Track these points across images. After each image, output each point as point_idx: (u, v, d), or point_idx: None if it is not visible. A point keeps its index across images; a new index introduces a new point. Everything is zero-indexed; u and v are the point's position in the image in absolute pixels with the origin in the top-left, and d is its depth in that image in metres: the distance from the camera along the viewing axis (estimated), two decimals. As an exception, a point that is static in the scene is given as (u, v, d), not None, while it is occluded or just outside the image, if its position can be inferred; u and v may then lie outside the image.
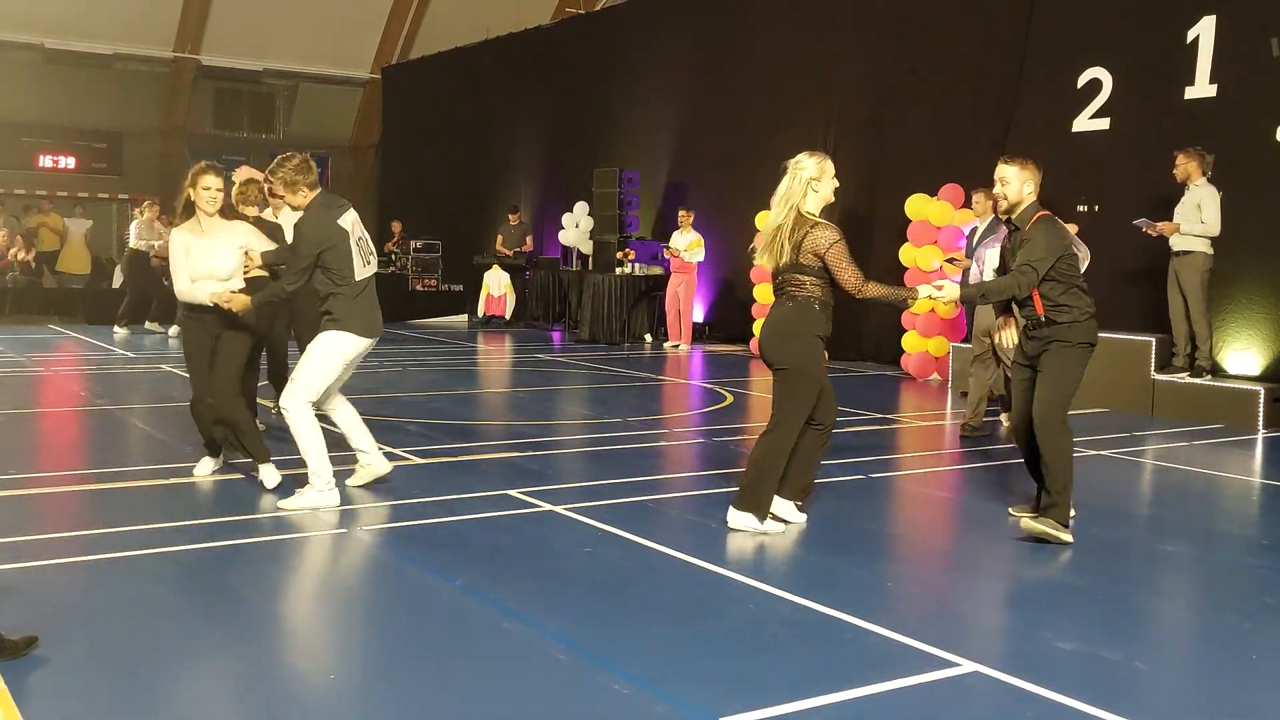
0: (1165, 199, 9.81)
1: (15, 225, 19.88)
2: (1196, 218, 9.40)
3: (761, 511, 5.57)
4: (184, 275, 6.13)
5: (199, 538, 5.28)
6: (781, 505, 5.73)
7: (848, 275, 5.38)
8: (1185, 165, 9.49)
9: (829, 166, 5.55)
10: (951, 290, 5.58)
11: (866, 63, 13.97)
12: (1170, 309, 9.75)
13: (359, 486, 6.29)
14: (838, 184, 5.60)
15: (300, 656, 3.94)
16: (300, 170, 5.82)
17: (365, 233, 6.04)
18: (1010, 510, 6.09)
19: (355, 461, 6.33)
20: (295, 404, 5.85)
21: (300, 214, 5.91)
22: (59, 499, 6.12)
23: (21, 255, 18.46)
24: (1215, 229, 9.38)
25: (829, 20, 14.53)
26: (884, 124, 13.55)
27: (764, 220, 13.96)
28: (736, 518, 5.60)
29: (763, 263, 5.63)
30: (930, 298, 5.59)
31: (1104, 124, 11.20)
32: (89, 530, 5.41)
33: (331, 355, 5.89)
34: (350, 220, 5.90)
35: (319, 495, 5.87)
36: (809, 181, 5.47)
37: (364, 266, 5.92)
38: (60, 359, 12.61)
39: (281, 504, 5.86)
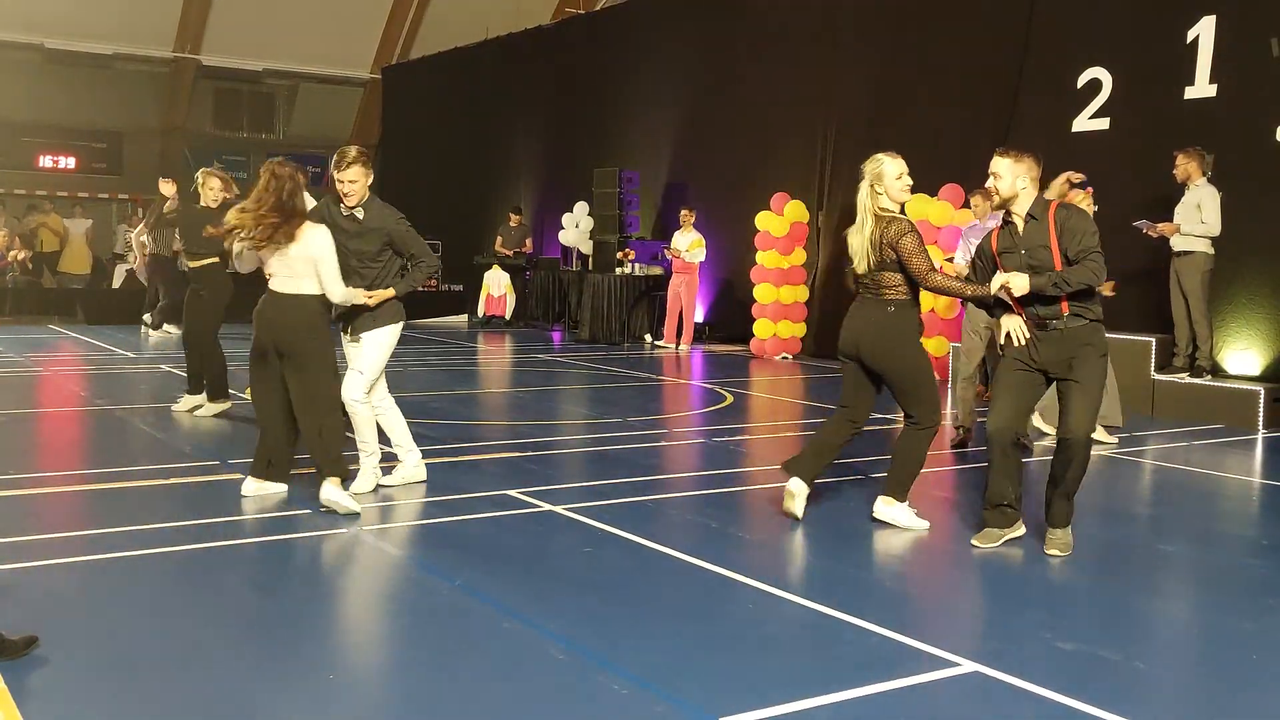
0: (1165, 199, 9.81)
1: (15, 225, 19.88)
2: (1196, 218, 9.39)
3: (907, 499, 5.83)
4: (340, 277, 5.92)
5: (199, 538, 5.28)
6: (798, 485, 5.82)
7: (917, 262, 5.50)
8: (1185, 165, 9.49)
9: (889, 168, 5.60)
10: (1021, 282, 5.28)
11: (866, 62, 13.97)
12: (1172, 309, 9.75)
13: (392, 486, 6.38)
14: (910, 182, 5.65)
15: (299, 656, 3.93)
16: (369, 157, 6.18)
17: None
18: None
19: (356, 463, 6.33)
20: (358, 394, 6.13)
21: (362, 211, 6.19)
22: (59, 499, 6.12)
23: (19, 255, 18.45)
24: (1215, 229, 9.38)
25: (829, 19, 14.53)
26: (884, 124, 13.54)
27: (764, 220, 14.11)
28: (887, 510, 5.79)
29: (858, 267, 5.68)
30: (1000, 289, 5.38)
31: (1104, 124, 11.20)
32: (89, 530, 5.42)
33: (390, 346, 6.28)
34: None
35: (415, 469, 6.44)
36: (872, 186, 5.61)
37: None
38: (60, 359, 12.61)
39: (384, 480, 6.33)
